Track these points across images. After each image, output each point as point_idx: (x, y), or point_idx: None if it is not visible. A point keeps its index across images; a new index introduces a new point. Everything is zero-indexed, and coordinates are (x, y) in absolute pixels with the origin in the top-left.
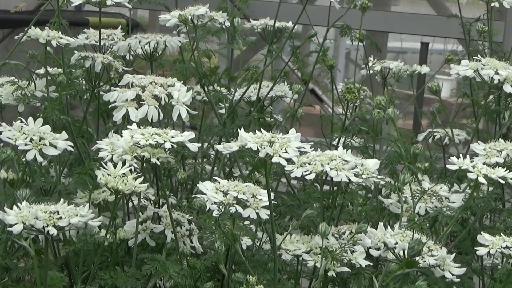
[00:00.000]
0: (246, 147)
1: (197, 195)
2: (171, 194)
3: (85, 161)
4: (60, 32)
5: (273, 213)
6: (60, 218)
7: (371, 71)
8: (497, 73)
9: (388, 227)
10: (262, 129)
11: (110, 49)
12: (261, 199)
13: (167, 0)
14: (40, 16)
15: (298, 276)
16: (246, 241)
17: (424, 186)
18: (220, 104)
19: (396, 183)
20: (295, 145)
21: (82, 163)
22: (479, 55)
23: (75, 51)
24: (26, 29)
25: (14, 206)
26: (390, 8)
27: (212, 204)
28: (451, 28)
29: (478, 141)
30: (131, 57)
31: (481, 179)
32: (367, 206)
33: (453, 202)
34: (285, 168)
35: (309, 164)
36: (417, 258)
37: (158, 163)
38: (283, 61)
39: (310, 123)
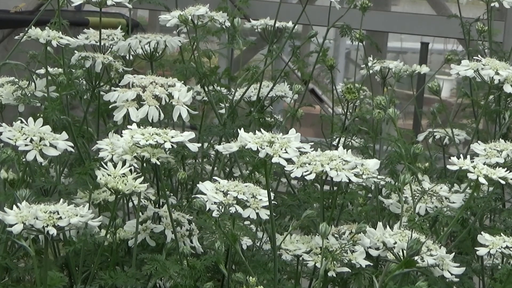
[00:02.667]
0: (246, 147)
1: (197, 195)
2: (171, 194)
3: (85, 161)
4: (60, 32)
5: (273, 213)
6: (60, 218)
7: (371, 71)
8: (497, 73)
9: (387, 226)
10: (262, 129)
11: (110, 49)
12: (261, 199)
13: (167, 0)
14: (40, 16)
15: (298, 276)
16: (246, 241)
17: (424, 186)
18: (220, 104)
19: (396, 183)
20: (295, 145)
21: (82, 163)
22: (479, 55)
23: (75, 51)
24: (26, 29)
25: (14, 206)
26: (390, 8)
27: (212, 204)
28: (451, 28)
29: (478, 141)
30: (131, 57)
31: (482, 180)
32: (367, 206)
33: (453, 202)
34: (285, 168)
35: (309, 164)
36: (416, 257)
37: (158, 163)
38: (283, 61)
39: (310, 123)
